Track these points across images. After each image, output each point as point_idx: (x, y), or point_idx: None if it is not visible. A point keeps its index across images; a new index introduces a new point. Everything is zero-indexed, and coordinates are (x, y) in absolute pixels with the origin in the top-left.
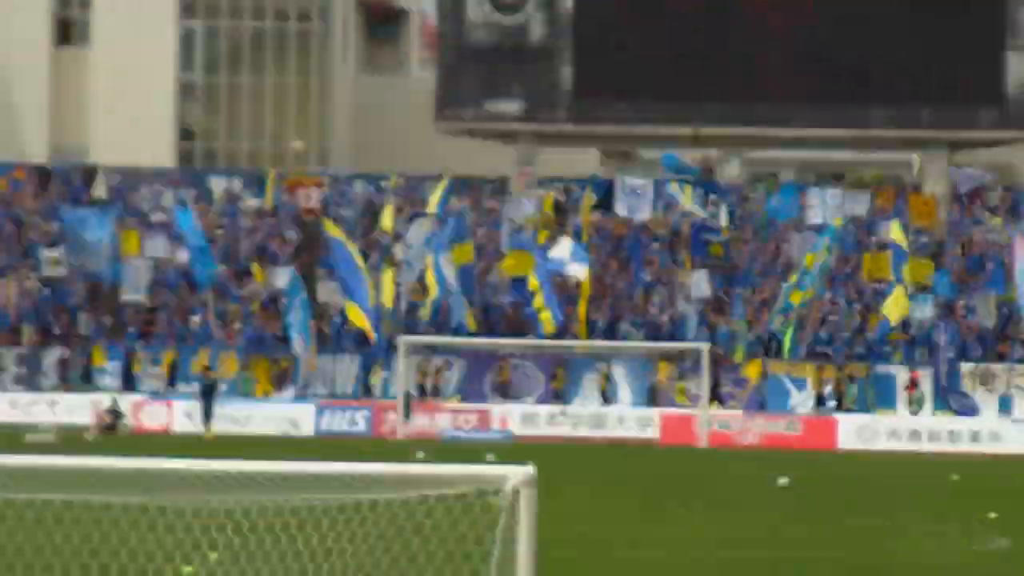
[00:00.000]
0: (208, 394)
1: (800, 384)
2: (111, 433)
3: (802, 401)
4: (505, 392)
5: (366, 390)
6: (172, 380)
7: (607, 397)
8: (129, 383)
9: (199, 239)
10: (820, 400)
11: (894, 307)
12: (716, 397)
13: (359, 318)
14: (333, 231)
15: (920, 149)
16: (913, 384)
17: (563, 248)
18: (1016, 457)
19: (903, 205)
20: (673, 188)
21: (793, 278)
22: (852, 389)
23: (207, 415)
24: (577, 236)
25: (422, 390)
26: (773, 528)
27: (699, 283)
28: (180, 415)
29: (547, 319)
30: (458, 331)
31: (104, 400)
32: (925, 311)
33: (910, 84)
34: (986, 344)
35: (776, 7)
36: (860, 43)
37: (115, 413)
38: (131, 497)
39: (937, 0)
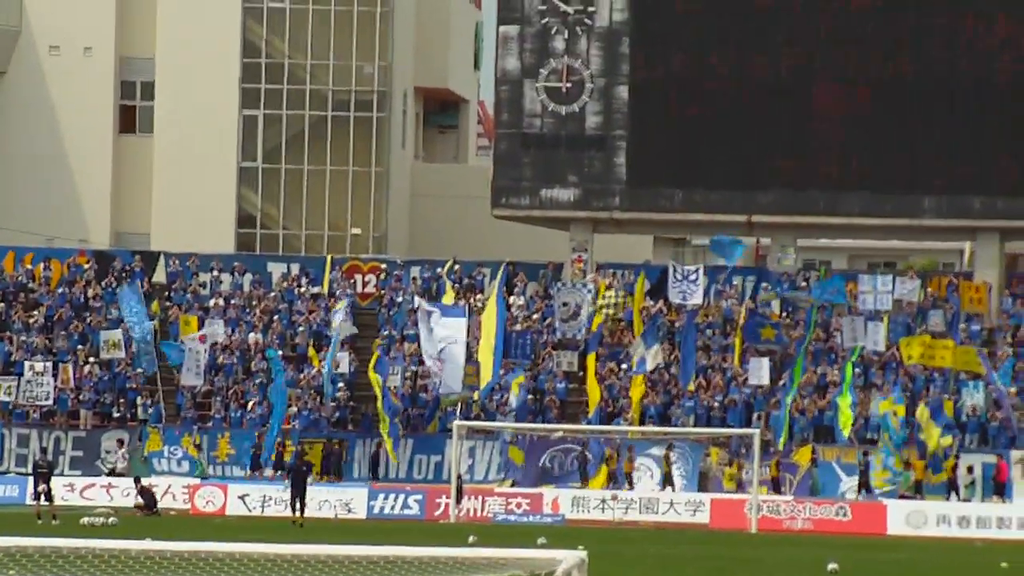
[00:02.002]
0: (299, 480)
1: (850, 470)
2: (151, 514)
3: (851, 487)
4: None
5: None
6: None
7: (660, 482)
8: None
9: None
10: (867, 486)
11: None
12: (766, 483)
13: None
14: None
15: (972, 237)
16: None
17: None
18: None
19: (954, 292)
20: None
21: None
22: (907, 476)
23: (300, 501)
24: (630, 322)
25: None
26: None
27: (758, 370)
28: (234, 498)
29: None
30: None
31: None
32: (976, 398)
33: (962, 173)
34: None
35: (830, 96)
36: (912, 132)
37: (145, 495)
38: None
39: (990, 89)
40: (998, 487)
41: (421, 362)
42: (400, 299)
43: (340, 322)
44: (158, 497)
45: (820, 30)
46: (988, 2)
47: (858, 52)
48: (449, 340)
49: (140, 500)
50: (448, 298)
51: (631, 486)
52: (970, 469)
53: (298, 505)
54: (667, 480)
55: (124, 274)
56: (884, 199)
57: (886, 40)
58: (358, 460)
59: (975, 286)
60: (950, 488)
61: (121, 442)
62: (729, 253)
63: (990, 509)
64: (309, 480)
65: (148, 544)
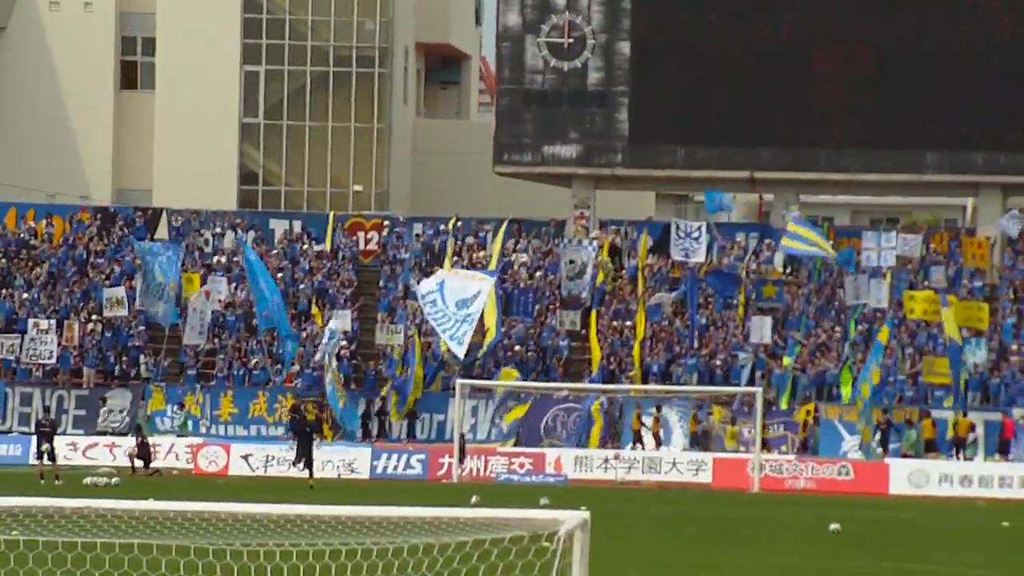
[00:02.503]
0: (305, 439)
1: (852, 428)
2: (144, 470)
3: (854, 446)
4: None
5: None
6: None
7: (660, 440)
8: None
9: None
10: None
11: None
12: (765, 442)
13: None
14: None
15: (974, 193)
16: (967, 429)
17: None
18: None
19: (957, 248)
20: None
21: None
22: (910, 434)
23: (308, 461)
24: (632, 279)
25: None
26: (825, 570)
27: (760, 328)
28: (237, 457)
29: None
30: None
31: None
32: (979, 356)
33: (964, 129)
34: None
35: (831, 53)
36: (914, 88)
37: (143, 449)
38: (183, 540)
39: (991, 48)
40: (1002, 444)
41: (423, 321)
42: (404, 256)
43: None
44: (160, 456)
45: None
46: None
47: (859, 13)
48: (466, 315)
49: (135, 450)
50: (447, 263)
51: (641, 444)
52: (972, 427)
53: (303, 466)
54: (657, 440)
55: (127, 230)
56: (886, 155)
57: (887, 3)
58: (362, 419)
59: (977, 241)
60: (955, 446)
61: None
62: (725, 206)
63: (992, 468)
64: (316, 442)
65: (151, 504)
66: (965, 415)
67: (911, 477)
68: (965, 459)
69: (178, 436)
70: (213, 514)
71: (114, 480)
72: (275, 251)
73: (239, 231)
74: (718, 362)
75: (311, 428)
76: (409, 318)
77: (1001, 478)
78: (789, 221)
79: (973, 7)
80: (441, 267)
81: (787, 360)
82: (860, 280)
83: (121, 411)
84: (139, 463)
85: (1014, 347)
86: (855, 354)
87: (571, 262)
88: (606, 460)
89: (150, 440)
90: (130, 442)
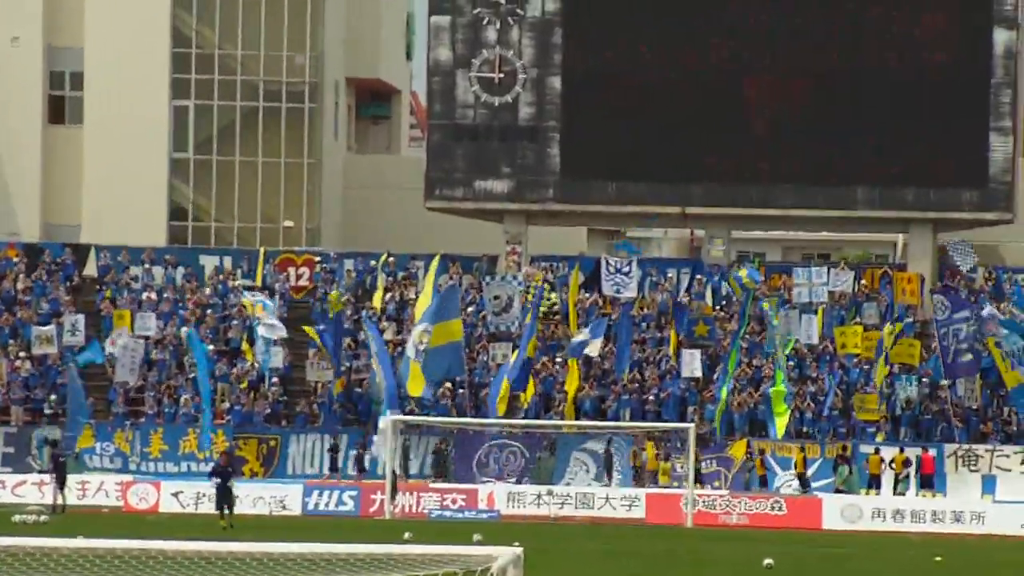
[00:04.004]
0: (223, 480)
1: (785, 464)
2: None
3: (787, 481)
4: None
5: (361, 470)
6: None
7: (594, 477)
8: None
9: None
10: (804, 480)
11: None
12: (699, 477)
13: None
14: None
15: (905, 229)
16: (901, 464)
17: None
18: (998, 538)
19: (887, 284)
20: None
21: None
22: (843, 470)
23: (223, 502)
24: (565, 315)
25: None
26: None
27: (691, 363)
28: (167, 495)
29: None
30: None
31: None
32: (910, 391)
33: (895, 165)
34: (970, 425)
35: (762, 89)
36: (845, 124)
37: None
38: None
39: (922, 82)
40: (924, 480)
41: (356, 357)
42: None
43: (265, 327)
44: (91, 493)
45: (752, 23)
46: None
47: (790, 45)
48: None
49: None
50: (377, 298)
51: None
52: (906, 462)
53: (225, 508)
54: (608, 473)
55: (55, 267)
56: (817, 191)
57: (818, 33)
58: (292, 457)
59: (908, 276)
60: (871, 483)
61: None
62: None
63: (924, 503)
64: (232, 483)
65: (80, 542)
66: (901, 451)
67: (844, 512)
68: (898, 494)
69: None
70: (143, 551)
71: (43, 518)
72: (206, 288)
73: (168, 267)
74: (651, 398)
75: (230, 472)
76: (342, 354)
77: (933, 513)
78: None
79: (904, 42)
80: (371, 302)
81: (724, 393)
82: (791, 316)
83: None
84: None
85: (945, 383)
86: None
87: (496, 297)
88: (539, 496)
89: (80, 479)
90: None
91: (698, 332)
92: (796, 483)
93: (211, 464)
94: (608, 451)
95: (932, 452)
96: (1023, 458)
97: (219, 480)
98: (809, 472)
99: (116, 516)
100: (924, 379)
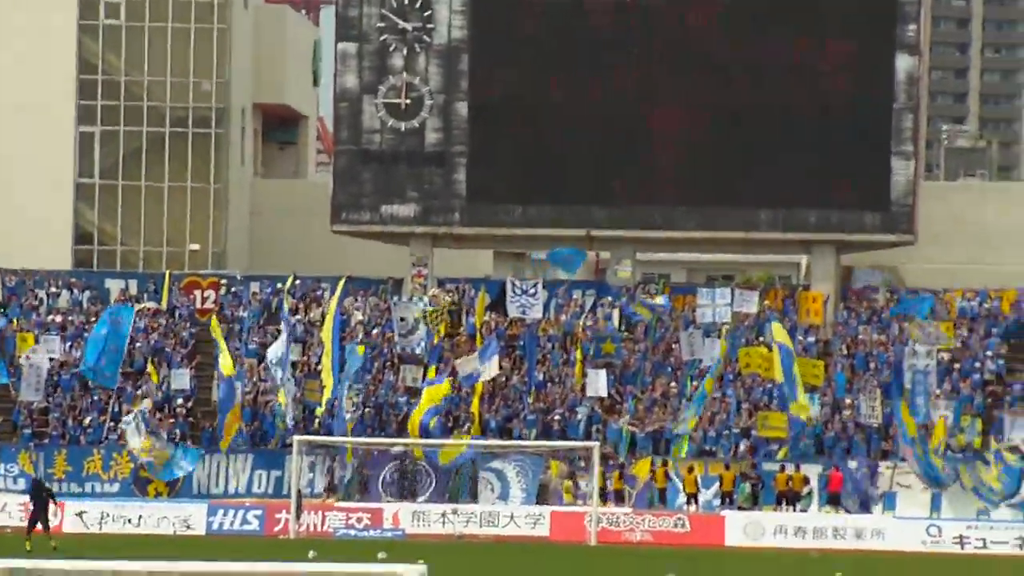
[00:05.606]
0: (39, 497)
1: (708, 482)
2: None
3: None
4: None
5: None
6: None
7: (499, 495)
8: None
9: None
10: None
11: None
12: (605, 495)
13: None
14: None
15: (807, 251)
16: (802, 482)
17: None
18: (899, 554)
19: (791, 305)
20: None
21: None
22: (743, 487)
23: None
24: (472, 336)
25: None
26: None
27: (595, 382)
28: (71, 515)
29: None
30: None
31: None
32: (812, 410)
33: (797, 188)
34: (871, 442)
35: (666, 111)
36: (749, 147)
37: None
38: None
39: (826, 106)
40: (831, 497)
41: (261, 378)
42: (242, 314)
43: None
44: None
45: (654, 51)
46: (820, 24)
47: (695, 71)
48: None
49: None
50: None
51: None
52: (807, 480)
53: (42, 527)
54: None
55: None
56: (720, 213)
57: (720, 60)
58: (197, 477)
59: (811, 297)
60: (777, 500)
61: None
62: (569, 265)
63: (826, 520)
64: (52, 509)
65: None
66: (798, 468)
67: (747, 529)
68: (800, 511)
69: None
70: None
71: None
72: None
73: (74, 291)
74: (556, 417)
75: (47, 493)
76: (247, 375)
77: (835, 529)
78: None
79: (805, 66)
80: (277, 325)
81: (627, 414)
82: (695, 336)
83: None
84: None
85: (847, 401)
86: (691, 409)
87: (402, 319)
88: (444, 514)
89: None
90: None
91: (605, 350)
92: (717, 501)
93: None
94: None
95: (842, 470)
96: None
97: (35, 499)
98: (712, 490)
99: (19, 537)
100: (826, 397)
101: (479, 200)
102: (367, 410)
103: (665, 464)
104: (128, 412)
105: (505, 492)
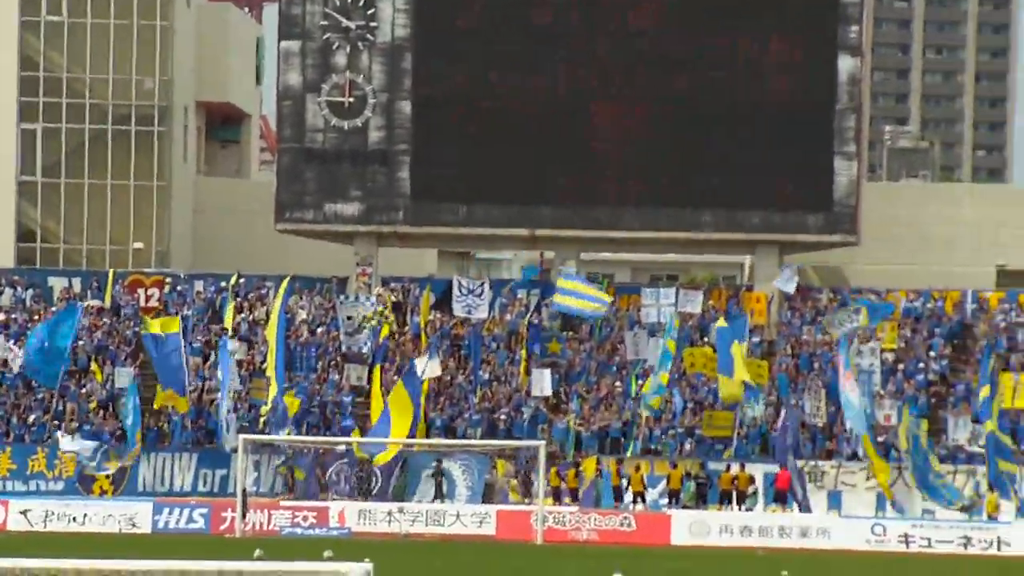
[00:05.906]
0: None
1: (654, 481)
2: None
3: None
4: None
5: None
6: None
7: (444, 494)
8: None
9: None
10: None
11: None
12: (553, 494)
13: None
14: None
15: (751, 251)
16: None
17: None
18: (844, 553)
19: (736, 305)
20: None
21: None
22: (688, 486)
23: None
24: (416, 336)
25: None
26: None
27: (540, 382)
28: (15, 513)
29: None
30: None
31: None
32: (757, 409)
33: (741, 188)
34: (816, 442)
35: (609, 113)
36: (693, 148)
37: None
38: None
39: (769, 107)
40: (778, 495)
41: (206, 377)
42: (187, 312)
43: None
44: None
45: (598, 49)
46: (762, 24)
47: (636, 71)
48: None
49: None
50: (229, 317)
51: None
52: (752, 479)
53: None
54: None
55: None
56: (664, 213)
57: (663, 59)
58: (143, 475)
59: (756, 297)
60: (721, 499)
61: None
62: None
63: (772, 519)
64: None
65: None
66: (743, 468)
67: (692, 528)
68: (746, 510)
69: None
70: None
71: None
72: (54, 308)
73: (17, 289)
74: (502, 416)
75: None
76: (192, 373)
77: (780, 528)
78: (560, 278)
79: (747, 66)
80: (222, 324)
81: (573, 413)
82: (640, 336)
83: None
84: None
85: (792, 401)
86: (636, 408)
87: (349, 318)
88: (390, 513)
89: None
90: None
91: (550, 349)
92: (664, 500)
93: None
94: (438, 469)
95: (788, 469)
96: (868, 474)
97: None
98: (657, 489)
99: None
100: (771, 397)
101: (423, 199)
102: (313, 409)
103: (620, 463)
104: (66, 431)
105: (451, 491)
